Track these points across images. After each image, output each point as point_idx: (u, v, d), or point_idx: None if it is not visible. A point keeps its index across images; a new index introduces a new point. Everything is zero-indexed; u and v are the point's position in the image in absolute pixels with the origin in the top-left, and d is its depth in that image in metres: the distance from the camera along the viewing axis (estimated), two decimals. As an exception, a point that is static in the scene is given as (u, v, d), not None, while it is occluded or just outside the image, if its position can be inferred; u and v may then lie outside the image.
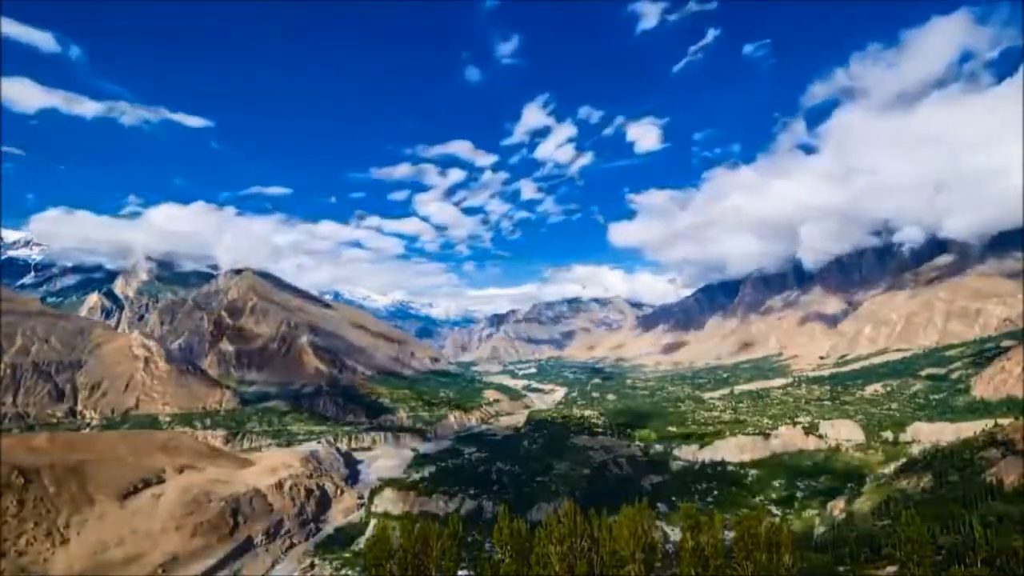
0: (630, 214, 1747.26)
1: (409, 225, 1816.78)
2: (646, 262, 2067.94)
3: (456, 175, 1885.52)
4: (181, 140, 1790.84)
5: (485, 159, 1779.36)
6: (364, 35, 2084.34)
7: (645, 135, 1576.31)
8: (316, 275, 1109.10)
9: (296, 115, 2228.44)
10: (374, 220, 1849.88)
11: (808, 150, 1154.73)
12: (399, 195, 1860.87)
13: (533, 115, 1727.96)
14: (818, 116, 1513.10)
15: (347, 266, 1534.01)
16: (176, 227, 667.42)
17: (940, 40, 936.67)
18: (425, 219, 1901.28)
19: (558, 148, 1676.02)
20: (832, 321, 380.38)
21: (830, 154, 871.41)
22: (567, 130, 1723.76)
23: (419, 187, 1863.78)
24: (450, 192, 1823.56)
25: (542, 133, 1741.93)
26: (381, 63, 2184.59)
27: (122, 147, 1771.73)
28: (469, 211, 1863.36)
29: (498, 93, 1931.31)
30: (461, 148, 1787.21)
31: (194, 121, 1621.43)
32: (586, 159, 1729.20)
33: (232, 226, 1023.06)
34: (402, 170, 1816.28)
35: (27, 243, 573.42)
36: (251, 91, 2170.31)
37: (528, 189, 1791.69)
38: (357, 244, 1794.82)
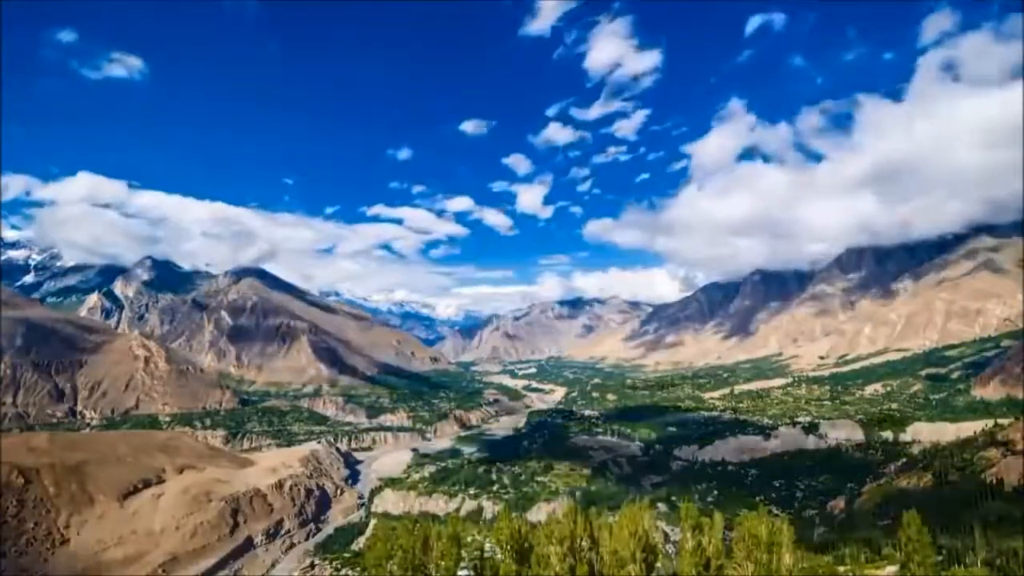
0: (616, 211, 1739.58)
1: (427, 222, 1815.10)
2: (647, 261, 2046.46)
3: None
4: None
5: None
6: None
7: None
8: (317, 274, 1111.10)
9: (320, 105, 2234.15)
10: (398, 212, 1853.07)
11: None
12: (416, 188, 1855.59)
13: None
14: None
15: (349, 265, 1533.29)
16: (180, 225, 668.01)
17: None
18: (457, 217, 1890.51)
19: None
20: (832, 321, 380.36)
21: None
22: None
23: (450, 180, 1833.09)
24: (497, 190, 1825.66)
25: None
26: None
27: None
28: (510, 212, 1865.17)
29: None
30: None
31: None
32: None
33: (237, 225, 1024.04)
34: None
35: (27, 243, 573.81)
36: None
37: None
38: (383, 245, 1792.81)
